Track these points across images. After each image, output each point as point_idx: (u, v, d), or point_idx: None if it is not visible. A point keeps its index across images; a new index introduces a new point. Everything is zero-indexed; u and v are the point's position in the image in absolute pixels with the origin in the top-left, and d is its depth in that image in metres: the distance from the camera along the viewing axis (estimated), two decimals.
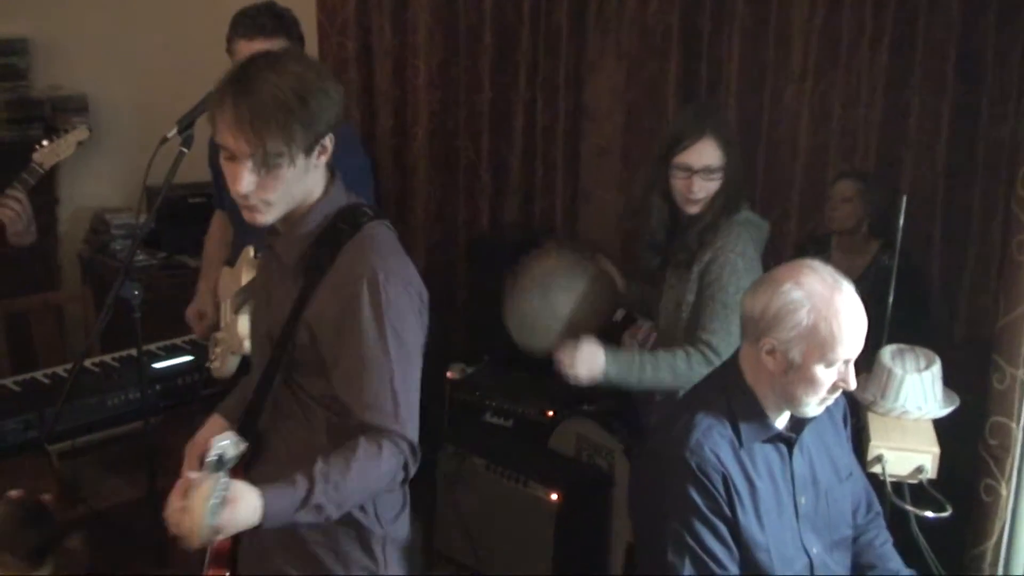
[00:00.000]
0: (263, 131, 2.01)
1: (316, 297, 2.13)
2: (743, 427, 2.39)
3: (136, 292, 2.89)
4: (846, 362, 2.34)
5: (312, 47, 5.42)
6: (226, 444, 1.95)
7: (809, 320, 2.29)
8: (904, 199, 3.10)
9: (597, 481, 3.97)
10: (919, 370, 3.02)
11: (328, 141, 2.11)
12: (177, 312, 3.60)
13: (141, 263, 4.88)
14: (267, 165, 2.05)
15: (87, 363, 3.81)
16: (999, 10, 3.82)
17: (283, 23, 3.26)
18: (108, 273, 4.87)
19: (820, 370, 2.32)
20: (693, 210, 3.08)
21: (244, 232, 3.32)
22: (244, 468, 2.19)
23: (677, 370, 2.97)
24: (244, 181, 2.07)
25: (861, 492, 2.65)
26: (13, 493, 2.39)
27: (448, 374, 4.57)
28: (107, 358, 3.95)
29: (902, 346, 3.09)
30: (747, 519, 2.35)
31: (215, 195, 3.60)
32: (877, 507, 2.70)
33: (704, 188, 3.05)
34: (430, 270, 5.44)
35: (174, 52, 5.20)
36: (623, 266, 3.49)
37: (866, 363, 3.03)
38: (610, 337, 3.36)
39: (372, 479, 2.09)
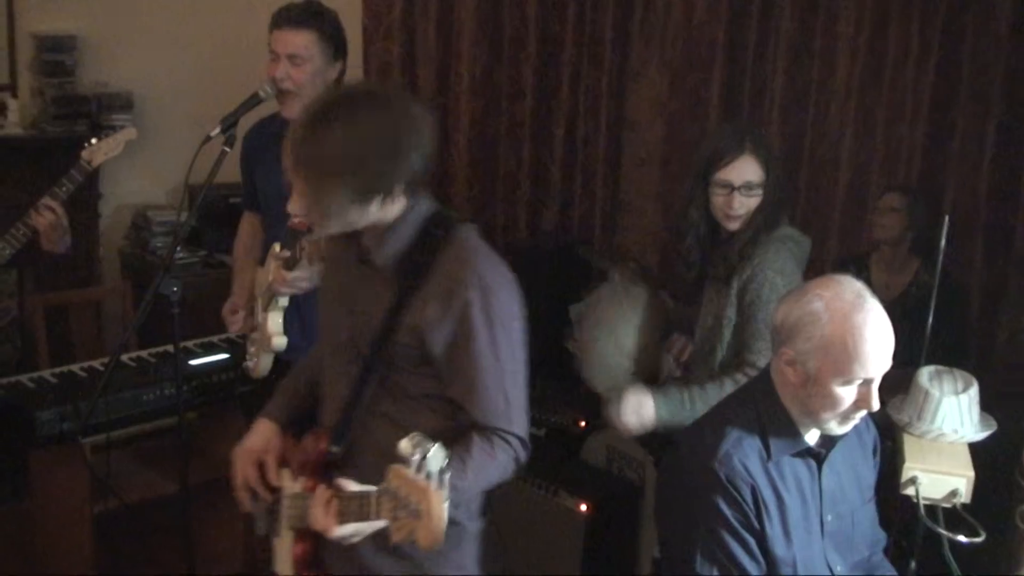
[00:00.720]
0: (317, 179, 2.09)
1: (417, 302, 2.16)
2: (772, 440, 2.36)
3: (175, 288, 2.91)
4: (867, 382, 2.28)
5: (356, 50, 5.45)
6: (434, 451, 1.95)
7: (826, 332, 2.24)
8: (947, 219, 3.06)
9: (627, 493, 3.95)
10: (956, 392, 2.98)
11: (397, 188, 2.12)
12: (215, 310, 3.62)
13: (181, 260, 4.92)
14: (316, 202, 2.12)
15: (124, 358, 3.84)
16: None
17: (316, 18, 3.27)
18: (148, 269, 4.91)
19: (837, 386, 2.26)
20: (733, 226, 3.06)
21: (274, 232, 3.34)
22: (323, 471, 2.25)
23: None
24: (294, 204, 2.17)
25: (875, 520, 2.62)
26: None
27: None
28: (144, 353, 3.98)
29: (940, 367, 3.06)
30: (774, 533, 2.33)
31: (244, 196, 3.62)
32: (882, 532, 2.66)
33: (744, 204, 3.03)
34: None
35: (219, 51, 5.24)
36: (661, 277, 3.48)
37: (903, 384, 3.00)
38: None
39: (486, 477, 2.19)
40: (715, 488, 2.30)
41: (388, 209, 2.16)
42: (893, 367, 2.35)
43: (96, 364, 3.90)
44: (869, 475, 2.58)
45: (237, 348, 3.89)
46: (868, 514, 2.56)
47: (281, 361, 3.21)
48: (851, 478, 2.50)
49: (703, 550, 2.32)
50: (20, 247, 3.30)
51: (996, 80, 3.90)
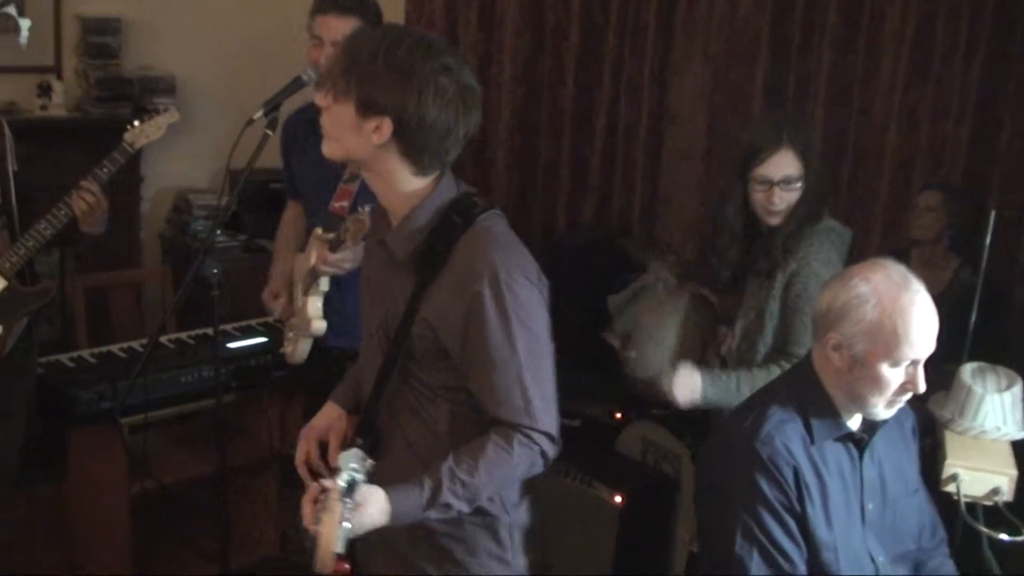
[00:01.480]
0: (340, 63, 2.10)
1: (434, 293, 2.12)
2: (815, 424, 2.36)
3: (215, 271, 2.91)
4: (914, 363, 2.28)
5: None
6: (354, 467, 1.96)
7: (874, 315, 2.24)
8: (993, 214, 3.03)
9: (662, 485, 3.94)
10: (1000, 390, 2.95)
11: (387, 125, 2.07)
12: (254, 294, 3.64)
13: (221, 244, 4.94)
14: (330, 92, 2.12)
15: (163, 339, 3.86)
16: None
17: (361, 4, 3.28)
18: (188, 252, 4.94)
19: (885, 369, 2.26)
20: (774, 221, 3.04)
21: (317, 215, 3.34)
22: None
23: None
24: (320, 94, 2.15)
25: (928, 512, 2.59)
26: None
27: None
28: (183, 335, 4.01)
29: (983, 364, 3.03)
30: (816, 516, 2.31)
31: (287, 183, 3.63)
32: (943, 533, 2.62)
33: (784, 199, 3.00)
34: None
35: (261, 36, 5.26)
36: (698, 270, 3.46)
37: (945, 380, 2.97)
38: None
39: (502, 474, 2.12)
40: (757, 468, 2.29)
41: (370, 150, 2.11)
42: (935, 364, 2.34)
43: (135, 345, 3.93)
44: (912, 466, 2.56)
45: (275, 332, 3.91)
46: (914, 506, 2.53)
47: (320, 347, 3.21)
48: (893, 468, 2.48)
49: (743, 531, 2.30)
50: (60, 228, 3.31)
51: None
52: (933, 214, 3.97)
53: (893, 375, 2.27)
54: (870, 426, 2.41)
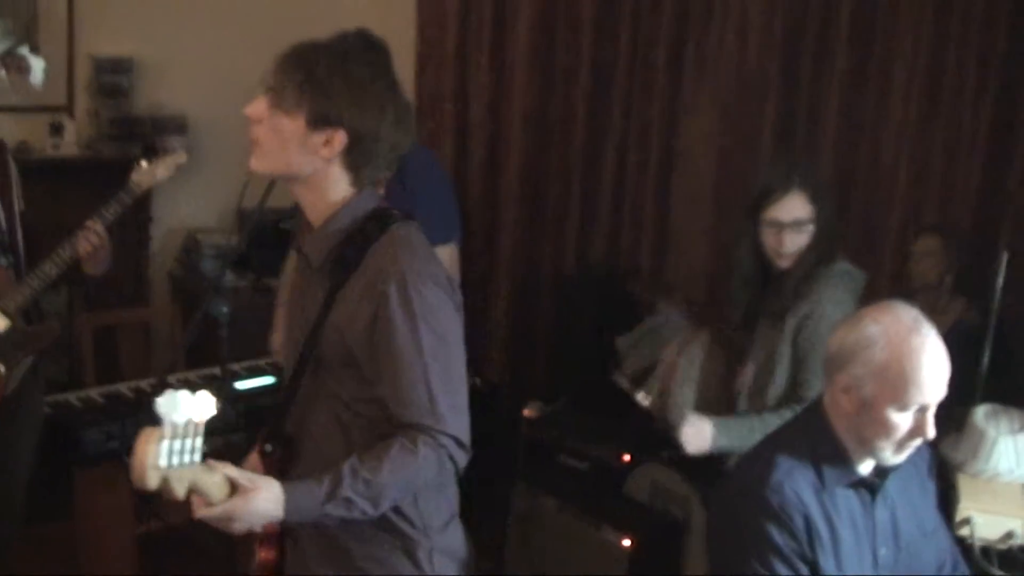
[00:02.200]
0: (286, 74, 2.09)
1: (344, 298, 2.12)
2: (825, 470, 2.33)
3: (225, 310, 2.91)
4: (923, 409, 2.24)
5: (410, 78, 5.49)
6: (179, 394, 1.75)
7: (882, 357, 2.22)
8: (1005, 256, 3.02)
9: (671, 529, 3.90)
10: (1013, 432, 2.94)
11: (338, 138, 2.09)
12: (262, 333, 3.64)
13: (230, 284, 4.94)
14: (272, 104, 2.10)
15: (171, 378, 3.86)
16: None
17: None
18: (197, 292, 4.94)
19: (893, 413, 2.23)
20: (785, 264, 3.04)
21: None
22: (278, 471, 2.17)
23: None
24: (255, 105, 2.13)
25: (946, 550, 2.56)
26: None
27: (525, 412, 4.53)
28: (191, 375, 4.00)
29: (996, 406, 3.01)
30: (827, 564, 2.29)
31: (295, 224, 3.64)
32: (964, 569, 2.60)
33: (795, 242, 3.00)
34: (513, 304, 5.44)
35: None
36: (707, 312, 3.46)
37: (957, 422, 2.96)
38: None
39: (408, 475, 2.05)
40: (767, 516, 2.27)
41: (318, 165, 2.12)
42: (945, 407, 2.32)
43: (143, 384, 3.92)
44: (928, 508, 2.52)
45: (283, 372, 3.90)
46: (930, 547, 2.49)
47: None
48: (907, 510, 2.45)
49: None
50: (65, 268, 3.31)
51: None
52: (932, 259, 3.95)
53: (901, 420, 2.24)
54: (882, 470, 2.38)
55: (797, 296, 3.00)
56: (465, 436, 2.12)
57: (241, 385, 3.89)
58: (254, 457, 2.29)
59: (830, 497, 2.33)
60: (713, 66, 4.82)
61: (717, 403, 3.34)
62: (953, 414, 2.91)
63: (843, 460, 2.34)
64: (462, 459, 2.12)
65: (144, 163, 3.42)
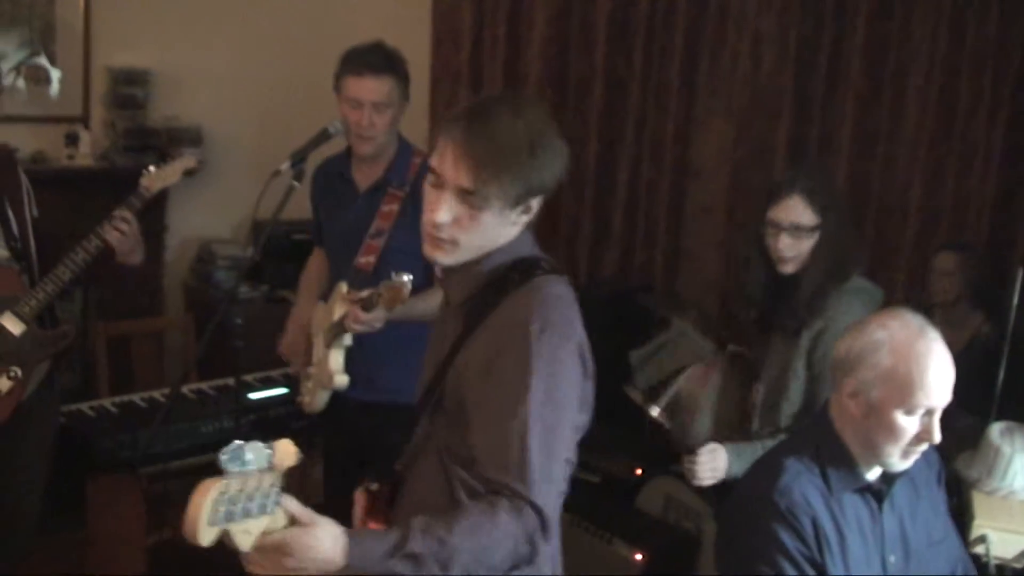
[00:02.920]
0: (486, 171, 1.91)
1: (472, 342, 1.99)
2: (832, 475, 2.34)
3: (239, 321, 2.92)
4: (929, 413, 2.27)
5: (424, 92, 5.50)
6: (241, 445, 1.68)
7: (888, 361, 2.25)
8: (1022, 273, 3.01)
9: (684, 543, 3.89)
10: None
11: (536, 203, 2.00)
12: (275, 345, 3.64)
13: (243, 295, 4.95)
14: (474, 205, 1.94)
15: (184, 389, 3.86)
16: None
17: (392, 62, 3.29)
18: (211, 302, 4.95)
19: (900, 416, 2.25)
20: (786, 269, 3.02)
21: (340, 269, 3.34)
22: (381, 511, 2.10)
23: None
24: (443, 211, 1.95)
25: (957, 559, 2.55)
26: None
27: None
28: (204, 386, 4.01)
29: (1011, 424, 3.00)
30: (835, 568, 2.29)
31: (314, 232, 3.64)
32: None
33: (792, 247, 2.98)
34: None
35: (288, 88, 5.31)
36: (720, 326, 3.45)
37: (972, 439, 2.94)
38: None
39: (484, 542, 1.80)
40: (775, 518, 2.28)
41: (509, 233, 2.02)
42: (959, 422, 2.32)
43: (156, 394, 3.93)
44: (937, 515, 2.52)
45: (295, 383, 3.90)
46: (939, 556, 2.49)
47: (337, 396, 3.20)
48: (915, 518, 2.45)
49: None
50: (79, 271, 3.32)
51: None
52: (950, 278, 3.95)
53: (908, 423, 2.26)
54: (889, 477, 2.39)
55: (811, 312, 2.98)
56: (552, 513, 1.88)
57: (254, 396, 3.90)
58: (359, 493, 2.17)
59: (837, 502, 2.34)
60: (726, 81, 4.83)
61: (729, 424, 3.33)
62: (971, 431, 2.91)
63: (849, 465, 2.36)
64: (541, 542, 1.86)
65: (153, 167, 3.43)
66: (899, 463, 2.33)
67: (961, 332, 3.96)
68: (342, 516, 2.18)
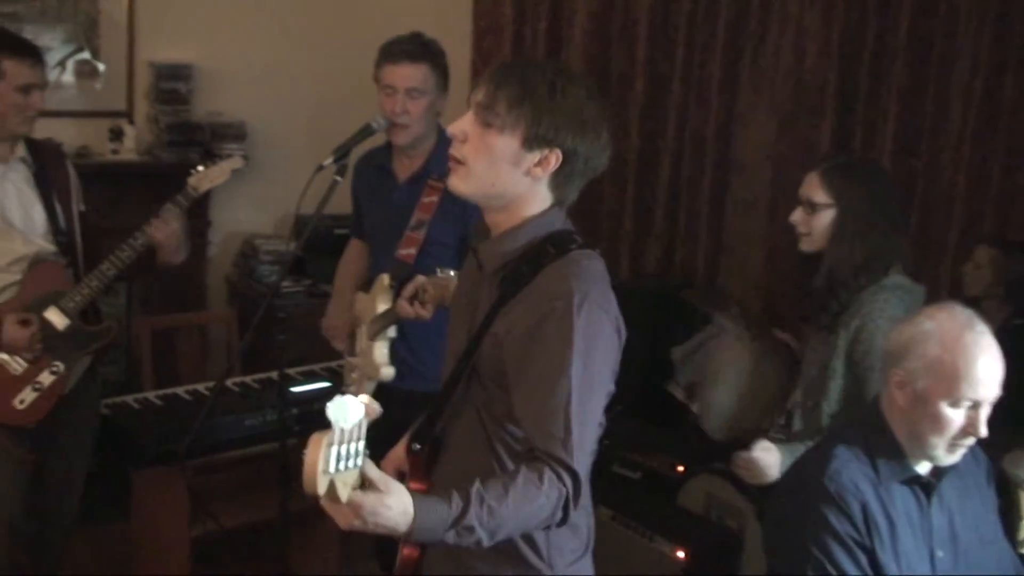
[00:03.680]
0: (501, 91, 2.02)
1: (507, 312, 2.06)
2: (881, 464, 2.36)
3: (282, 315, 2.94)
4: (976, 405, 2.27)
5: (465, 87, 5.49)
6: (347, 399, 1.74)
7: (936, 351, 2.27)
8: None
9: (726, 541, 3.87)
10: None
11: (554, 157, 2.04)
12: (317, 338, 3.66)
13: (286, 289, 4.97)
14: (486, 122, 2.03)
15: (228, 382, 3.89)
16: None
17: (429, 50, 3.32)
18: (254, 296, 4.98)
19: (945, 408, 2.27)
20: (802, 246, 3.04)
21: (381, 260, 3.36)
22: (422, 470, 2.17)
23: None
24: (459, 122, 2.07)
25: (1009, 563, 2.54)
26: None
27: None
28: (247, 379, 4.03)
29: None
30: (885, 555, 2.30)
31: (354, 223, 3.66)
32: None
33: (804, 223, 2.99)
34: None
35: (331, 83, 5.33)
36: (763, 323, 3.43)
37: (1018, 438, 2.91)
38: None
39: (530, 509, 1.92)
40: (825, 502, 2.30)
41: (526, 186, 2.08)
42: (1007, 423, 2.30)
43: (200, 387, 3.96)
44: (988, 516, 2.51)
45: (338, 377, 3.92)
46: (991, 556, 2.48)
47: (384, 389, 3.21)
48: (966, 517, 2.45)
49: (814, 566, 2.29)
50: (124, 268, 3.35)
51: None
52: (980, 271, 3.91)
53: (954, 415, 2.27)
54: (939, 471, 2.39)
55: (844, 308, 2.95)
56: (585, 480, 2.00)
57: (297, 389, 3.92)
58: (401, 450, 2.27)
59: (887, 491, 2.35)
60: (769, 76, 4.80)
61: (756, 407, 3.30)
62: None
63: (898, 456, 2.37)
64: (576, 505, 1.98)
65: (201, 167, 3.46)
66: (945, 456, 2.34)
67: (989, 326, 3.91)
68: None
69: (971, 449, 2.38)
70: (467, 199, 2.13)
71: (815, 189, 2.98)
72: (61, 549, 3.62)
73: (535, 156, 2.04)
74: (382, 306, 3.11)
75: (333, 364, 3.99)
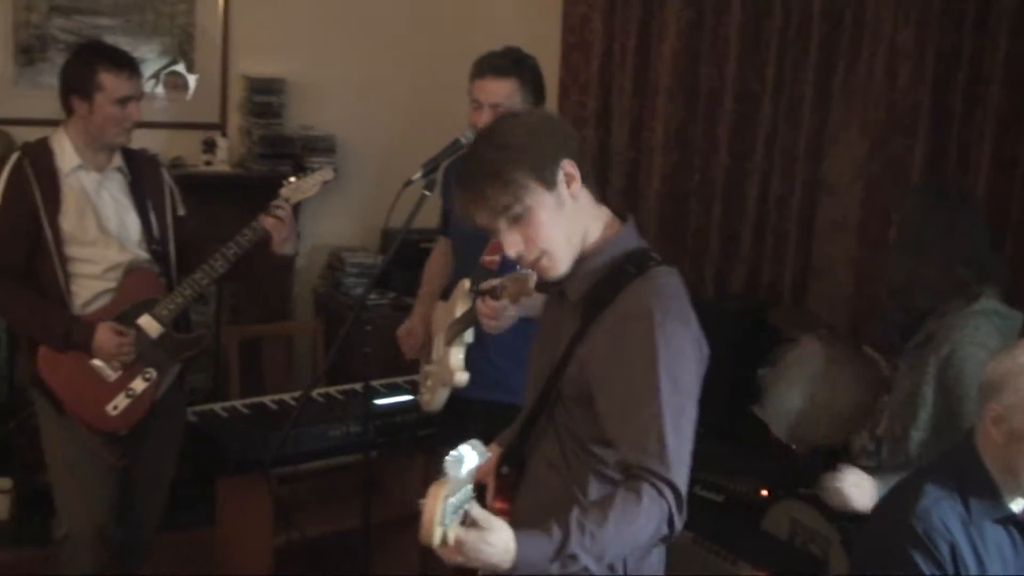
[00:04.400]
0: (485, 196, 2.08)
1: (591, 334, 2.10)
2: (973, 503, 2.28)
3: (368, 328, 2.96)
4: None
5: (552, 104, 5.51)
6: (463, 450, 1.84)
7: None
8: None
9: (810, 568, 3.80)
10: None
11: (571, 167, 2.12)
12: (402, 353, 3.68)
13: (371, 302, 5.01)
14: (513, 220, 2.10)
15: (313, 393, 3.93)
16: None
17: (517, 66, 3.32)
18: (339, 309, 5.03)
19: None
20: None
21: (465, 262, 3.37)
22: (508, 493, 2.21)
23: None
24: (507, 246, 2.13)
25: None
26: None
27: None
28: (332, 390, 4.06)
29: None
30: None
31: (442, 221, 3.68)
32: None
33: None
34: None
35: (421, 98, 5.37)
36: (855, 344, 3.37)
37: None
38: None
39: (632, 528, 1.94)
40: (912, 544, 2.23)
41: (580, 210, 2.15)
42: None
43: (286, 397, 4.00)
44: None
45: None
46: None
47: (458, 397, 3.21)
48: None
49: None
50: (217, 278, 3.41)
51: None
52: None
53: None
54: None
55: (931, 334, 2.88)
56: (684, 492, 2.02)
57: (380, 402, 3.94)
58: (488, 468, 2.28)
59: (978, 531, 2.28)
60: (861, 95, 4.72)
61: (833, 423, 3.24)
62: None
63: (992, 494, 2.30)
64: (681, 520, 2.00)
65: (293, 179, 3.51)
66: None
67: None
68: None
69: None
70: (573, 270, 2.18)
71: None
72: (145, 553, 3.68)
73: (559, 181, 2.11)
74: (460, 310, 3.11)
75: (416, 377, 4.00)
